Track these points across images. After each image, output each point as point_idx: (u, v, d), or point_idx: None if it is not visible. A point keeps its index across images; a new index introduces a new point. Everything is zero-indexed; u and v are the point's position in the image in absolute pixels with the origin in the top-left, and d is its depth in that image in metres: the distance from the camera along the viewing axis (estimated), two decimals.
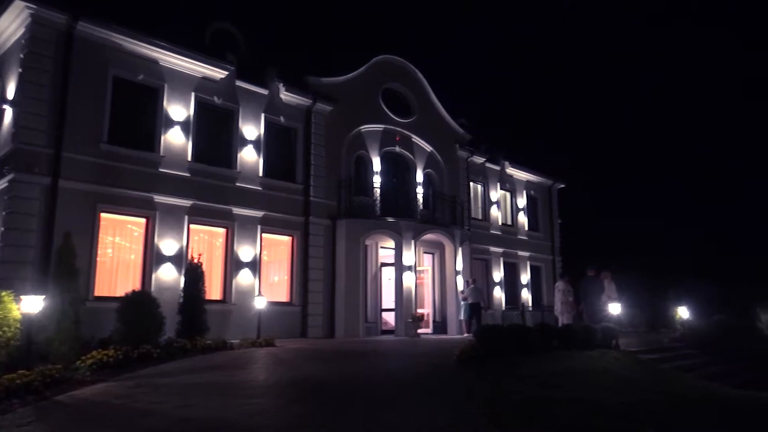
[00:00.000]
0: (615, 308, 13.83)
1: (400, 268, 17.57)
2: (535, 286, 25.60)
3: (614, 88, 70.33)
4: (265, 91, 16.54)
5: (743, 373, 14.70)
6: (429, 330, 19.02)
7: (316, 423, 5.40)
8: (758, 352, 16.78)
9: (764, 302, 27.46)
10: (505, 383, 7.60)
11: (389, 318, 18.29)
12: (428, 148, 20.78)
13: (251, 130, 16.22)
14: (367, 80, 19.37)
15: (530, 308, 23.80)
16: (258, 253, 15.82)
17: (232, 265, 15.26)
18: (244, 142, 16.03)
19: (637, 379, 9.30)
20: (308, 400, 6.45)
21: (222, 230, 15.41)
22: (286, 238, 16.78)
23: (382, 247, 18.75)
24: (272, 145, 16.74)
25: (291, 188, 16.87)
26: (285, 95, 16.85)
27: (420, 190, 20.13)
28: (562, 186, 27.73)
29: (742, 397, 9.09)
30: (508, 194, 25.15)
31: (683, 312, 20.67)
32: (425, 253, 20.08)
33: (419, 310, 17.98)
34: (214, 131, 15.61)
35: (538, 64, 67.82)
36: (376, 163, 19.01)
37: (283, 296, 16.44)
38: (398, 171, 20.00)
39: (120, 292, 11.46)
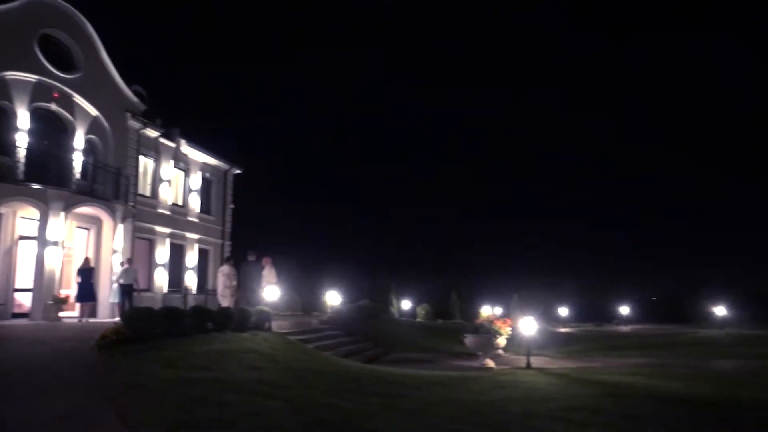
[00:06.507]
0: (273, 292, 14.59)
1: (43, 242, 15.33)
2: (202, 269, 25.28)
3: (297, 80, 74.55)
4: None
5: (372, 349, 17.14)
6: (75, 313, 17.07)
7: None
8: (384, 331, 19.79)
9: (398, 290, 32.68)
10: (146, 367, 7.27)
11: (26, 299, 15.79)
12: (93, 111, 18.62)
13: None
14: (20, 19, 16.34)
15: (194, 292, 23.44)
16: None
17: None
18: None
19: (281, 358, 9.93)
20: None
21: None
22: None
23: (22, 218, 16.08)
24: None
25: None
26: None
27: (79, 157, 17.89)
28: (239, 172, 28.01)
29: (361, 369, 10.54)
30: (181, 173, 24.25)
31: (333, 297, 23.08)
32: (79, 228, 17.99)
33: (63, 291, 15.99)
34: None
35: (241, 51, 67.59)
36: (24, 119, 16.19)
37: None
38: (53, 132, 17.41)
39: None
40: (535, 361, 12.90)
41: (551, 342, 20.88)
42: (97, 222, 18.17)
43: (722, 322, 29.34)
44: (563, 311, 43.30)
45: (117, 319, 15.94)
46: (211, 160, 25.89)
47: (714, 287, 36.74)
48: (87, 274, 16.11)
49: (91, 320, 15.96)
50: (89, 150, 18.63)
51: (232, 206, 27.60)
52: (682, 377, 10.53)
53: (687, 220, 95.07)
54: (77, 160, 17.73)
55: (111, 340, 8.33)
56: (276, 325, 13.67)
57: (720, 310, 30.85)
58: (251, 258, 15.05)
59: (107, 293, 17.60)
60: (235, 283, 15.20)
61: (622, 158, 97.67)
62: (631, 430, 5.65)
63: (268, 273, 15.22)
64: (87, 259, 16.56)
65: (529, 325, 12.64)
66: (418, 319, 32.36)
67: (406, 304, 33.68)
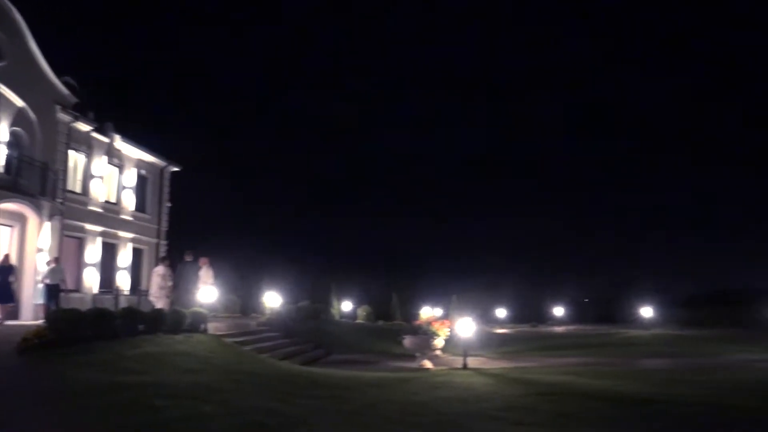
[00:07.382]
0: (210, 293, 14.25)
1: None
2: (135, 269, 24.38)
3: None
4: None
5: (312, 351, 16.97)
6: None
7: None
8: (325, 333, 19.67)
9: (338, 292, 32.56)
10: (73, 371, 6.95)
11: None
12: (19, 102, 17.63)
13: None
14: None
15: (127, 292, 22.58)
16: None
17: None
18: None
19: (217, 361, 9.70)
20: None
21: None
22: None
23: None
24: None
25: None
26: None
27: (2, 150, 16.88)
28: (177, 169, 27.17)
29: (298, 371, 10.45)
30: (115, 170, 23.31)
31: (272, 299, 22.73)
32: (1, 225, 17.02)
33: None
34: None
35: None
36: None
37: None
38: None
39: None
40: (472, 362, 13.10)
41: (488, 343, 21.22)
42: (21, 219, 17.24)
43: (649, 323, 30.73)
44: (501, 312, 44.21)
45: (41, 321, 15.16)
46: (148, 157, 25.01)
47: (641, 290, 38.48)
48: (5, 272, 15.17)
49: (12, 323, 15.09)
50: (14, 143, 17.62)
51: (168, 204, 26.76)
52: (612, 376, 10.96)
53: (618, 224, 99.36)
54: (0, 153, 16.74)
55: (34, 344, 7.90)
56: (212, 327, 13.33)
57: (647, 312, 32.29)
58: (188, 258, 14.64)
59: (31, 294, 16.72)
60: (170, 283, 14.74)
61: (554, 161, 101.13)
62: (563, 428, 5.82)
63: (206, 273, 14.86)
64: (6, 256, 15.63)
65: (466, 326, 12.83)
66: (359, 321, 32.26)
67: (347, 306, 33.49)
